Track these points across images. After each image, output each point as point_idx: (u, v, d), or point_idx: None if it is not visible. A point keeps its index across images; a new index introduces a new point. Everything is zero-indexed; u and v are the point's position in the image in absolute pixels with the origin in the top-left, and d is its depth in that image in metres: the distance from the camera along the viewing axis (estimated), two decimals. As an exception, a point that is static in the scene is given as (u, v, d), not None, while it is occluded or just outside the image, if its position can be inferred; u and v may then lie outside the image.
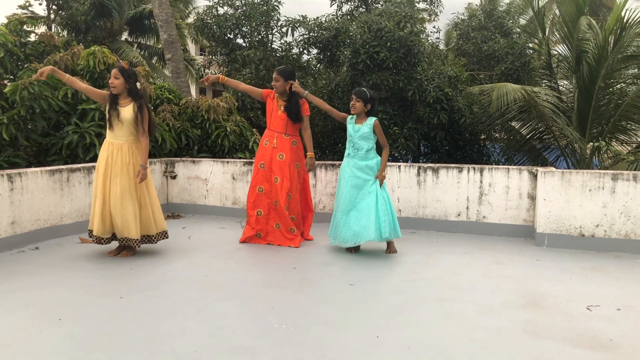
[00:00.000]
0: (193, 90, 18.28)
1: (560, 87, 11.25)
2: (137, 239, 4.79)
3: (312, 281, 4.29)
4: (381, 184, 5.01)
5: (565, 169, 9.12)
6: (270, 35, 12.38)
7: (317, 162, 6.23)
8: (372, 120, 5.03)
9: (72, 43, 10.90)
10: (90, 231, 4.86)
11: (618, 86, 10.17)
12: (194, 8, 21.73)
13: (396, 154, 10.56)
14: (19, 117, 6.70)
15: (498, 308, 3.65)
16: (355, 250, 5.15)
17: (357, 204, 4.97)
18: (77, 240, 5.54)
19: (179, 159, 7.41)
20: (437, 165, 6.20)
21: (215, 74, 14.12)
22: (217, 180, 7.13)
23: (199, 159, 7.34)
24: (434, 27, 14.91)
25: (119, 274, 4.38)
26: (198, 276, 4.35)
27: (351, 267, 4.66)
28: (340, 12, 14.68)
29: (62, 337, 3.11)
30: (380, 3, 14.15)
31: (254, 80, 11.45)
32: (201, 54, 27.92)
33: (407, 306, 3.70)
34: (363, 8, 14.57)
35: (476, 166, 6.06)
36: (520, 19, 13.83)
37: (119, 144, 4.74)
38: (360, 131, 5.02)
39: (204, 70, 15.51)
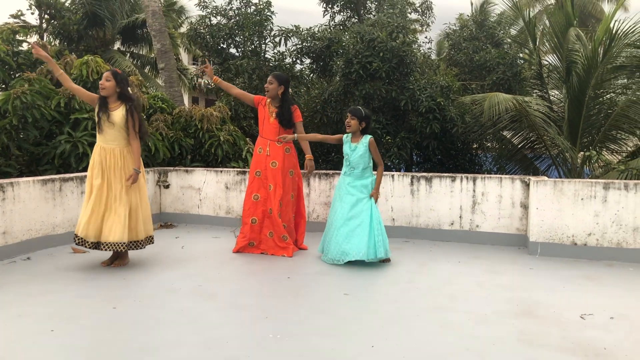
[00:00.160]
0: (186, 100, 18.27)
1: (551, 97, 11.36)
2: (123, 243, 4.71)
3: (306, 291, 4.28)
4: (376, 201, 5.05)
5: (556, 178, 9.19)
6: (263, 45, 12.44)
7: (303, 172, 6.20)
8: (367, 138, 5.06)
9: (64, 52, 10.88)
10: (76, 236, 4.79)
11: (608, 96, 10.28)
12: (186, 18, 21.77)
13: (389, 163, 10.60)
14: (11, 126, 6.67)
15: (492, 317, 3.65)
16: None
17: (349, 222, 4.97)
18: (69, 251, 5.50)
19: (172, 168, 7.39)
20: (431, 174, 6.23)
21: (209, 84, 14.17)
22: (211, 189, 7.12)
23: (192, 169, 7.32)
24: (425, 37, 15.05)
25: (112, 284, 4.35)
26: (192, 286, 4.32)
27: (345, 277, 4.66)
28: (332, 22, 14.78)
29: (55, 349, 3.08)
30: (373, 14, 14.26)
31: (247, 90, 11.44)
32: (194, 63, 27.95)
33: (402, 316, 3.69)
34: (355, 18, 14.66)
35: (469, 175, 6.10)
36: (511, 30, 13.98)
37: (111, 149, 4.73)
38: (357, 150, 5.04)
39: (197, 80, 15.52)
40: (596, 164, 9.64)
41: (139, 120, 4.79)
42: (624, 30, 8.79)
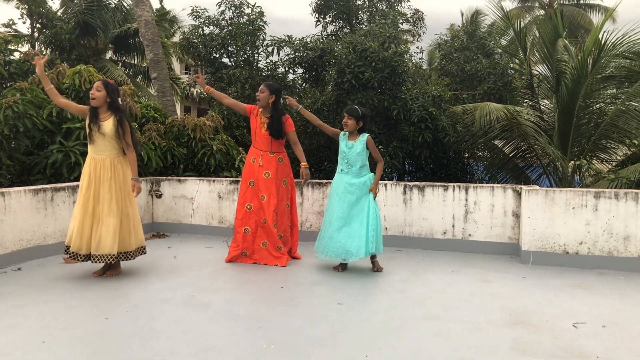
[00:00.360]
0: (178, 109, 18.26)
1: (542, 107, 11.44)
2: (112, 255, 4.70)
3: (300, 300, 4.27)
4: (375, 197, 5.05)
5: (547, 187, 9.24)
6: (256, 55, 12.47)
7: (297, 181, 6.22)
8: (364, 136, 5.09)
9: (55, 62, 10.85)
10: (67, 247, 4.78)
11: (597, 106, 10.37)
12: (179, 27, 21.82)
13: (381, 172, 10.60)
14: (2, 135, 6.63)
15: (486, 326, 3.66)
16: (342, 268, 5.15)
17: (349, 221, 4.99)
18: (60, 261, 5.46)
19: (164, 177, 7.37)
20: (423, 183, 6.25)
21: (201, 93, 14.17)
22: (203, 199, 7.10)
23: (184, 178, 7.31)
24: (417, 47, 15.18)
25: (104, 295, 4.32)
26: (185, 296, 4.30)
27: (339, 286, 4.66)
28: (325, 32, 14.85)
29: (47, 360, 3.05)
30: (365, 24, 14.35)
31: (239, 99, 11.47)
32: (186, 73, 27.96)
33: (396, 325, 3.70)
34: (348, 29, 14.75)
35: (461, 185, 6.13)
36: (501, 40, 14.11)
37: (101, 159, 4.71)
38: (354, 148, 5.06)
39: (189, 89, 15.52)
40: (587, 173, 9.70)
41: (129, 131, 4.78)
42: (612, 41, 8.89)
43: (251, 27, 12.13)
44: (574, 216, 5.39)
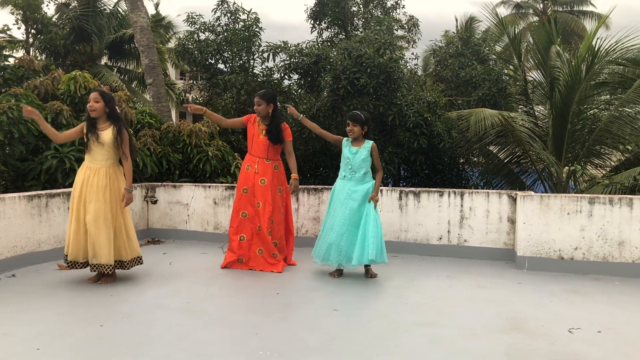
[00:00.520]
0: (173, 115, 18.26)
1: (536, 113, 11.50)
2: (110, 265, 4.70)
3: (296, 307, 4.27)
4: (376, 205, 5.06)
5: (542, 192, 9.29)
6: (251, 61, 12.49)
7: (299, 186, 6.22)
8: (369, 143, 5.10)
9: (50, 67, 10.82)
10: (66, 256, 4.77)
11: (591, 112, 10.44)
12: (174, 33, 21.84)
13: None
14: (-4, 141, 6.61)
15: (482, 332, 3.67)
16: (338, 274, 5.15)
17: (351, 228, 4.98)
18: (55, 267, 5.43)
19: (159, 183, 7.36)
20: (419, 189, 6.26)
21: (197, 99, 14.17)
22: (199, 205, 7.09)
23: (180, 184, 7.30)
24: (412, 53, 15.23)
25: (99, 301, 4.30)
26: (180, 303, 4.29)
27: (335, 292, 4.65)
28: (320, 38, 14.90)
29: (41, 368, 3.04)
30: (360, 30, 14.41)
31: (235, 105, 11.50)
32: (181, 78, 27.96)
33: (392, 331, 3.69)
34: (343, 35, 14.81)
35: (457, 190, 6.15)
36: (496, 46, 14.19)
37: (96, 168, 4.70)
38: (359, 155, 5.06)
39: (185, 95, 15.52)
40: (581, 179, 9.75)
41: (128, 140, 4.78)
42: (605, 47, 8.96)
43: (247, 33, 12.15)
44: (569, 222, 5.41)
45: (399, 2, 15.13)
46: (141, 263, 5.04)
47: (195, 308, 4.16)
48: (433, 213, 6.17)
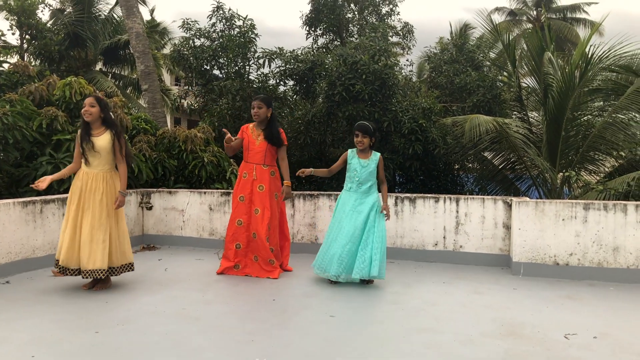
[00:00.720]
0: (169, 121, 18.26)
1: (531, 119, 11.56)
2: (103, 270, 4.66)
3: (292, 313, 4.26)
4: (389, 216, 5.08)
5: (537, 198, 9.32)
6: (247, 67, 12.50)
7: (295, 193, 6.23)
8: (377, 155, 5.12)
9: (45, 73, 10.81)
10: (57, 261, 4.74)
11: (585, 118, 10.51)
12: (169, 39, 21.86)
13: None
14: (-9, 147, 6.58)
15: (478, 338, 3.67)
16: (336, 279, 5.13)
17: (354, 240, 4.94)
18: (49, 274, 5.40)
19: (155, 189, 7.34)
20: (414, 195, 6.28)
21: (192, 104, 14.14)
22: (194, 211, 7.07)
23: (175, 190, 7.28)
24: (407, 60, 15.29)
25: (94, 308, 4.28)
26: (175, 309, 4.27)
27: (331, 298, 4.65)
28: (316, 45, 14.94)
29: (36, 375, 3.01)
30: (355, 37, 14.46)
31: (230, 111, 11.49)
32: (176, 84, 27.96)
33: (388, 337, 3.69)
34: (338, 41, 14.85)
35: (452, 196, 6.16)
36: (490, 53, 14.26)
37: (94, 174, 4.70)
38: (368, 167, 5.05)
39: (180, 101, 15.51)
40: (575, 185, 9.80)
41: (125, 145, 4.79)
42: (599, 54, 9.03)
43: (242, 40, 12.16)
44: (563, 227, 5.43)
45: (393, 9, 15.21)
46: (132, 270, 5.00)
47: (191, 314, 4.14)
48: (429, 219, 6.18)
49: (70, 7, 19.04)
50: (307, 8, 14.74)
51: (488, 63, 13.56)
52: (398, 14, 15.33)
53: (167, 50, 20.65)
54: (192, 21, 12.71)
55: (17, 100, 7.01)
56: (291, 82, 12.55)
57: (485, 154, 11.28)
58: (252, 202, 5.40)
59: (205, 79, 12.73)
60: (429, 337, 3.68)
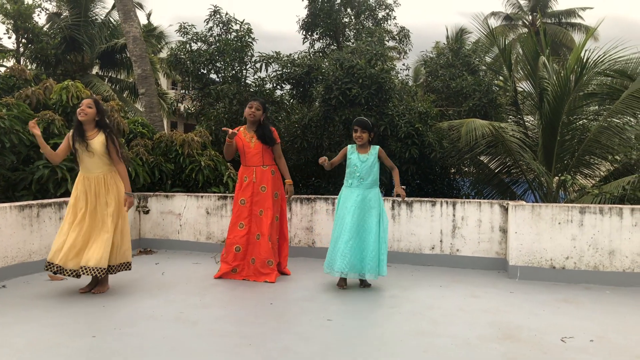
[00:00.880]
0: (165, 125, 18.23)
1: (526, 123, 11.62)
2: (103, 269, 4.65)
3: (290, 317, 4.26)
4: (404, 198, 5.13)
5: (533, 202, 9.35)
6: (244, 71, 12.51)
7: (291, 197, 6.21)
8: (376, 148, 5.10)
9: (41, 77, 10.79)
10: (51, 264, 4.70)
11: (580, 122, 10.57)
12: (166, 43, 21.87)
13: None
14: (-13, 151, 6.57)
15: (475, 341, 3.68)
16: (345, 284, 5.09)
17: (359, 236, 4.94)
18: (46, 278, 5.39)
19: (152, 193, 7.33)
20: (411, 199, 6.29)
21: (189, 108, 14.15)
22: (191, 215, 7.07)
23: (172, 194, 7.28)
24: (403, 64, 15.34)
25: (91, 312, 4.27)
26: (173, 313, 4.27)
27: (329, 302, 4.65)
28: (312, 49, 14.98)
29: (33, 380, 3.01)
30: (352, 41, 14.51)
31: (227, 115, 11.50)
32: (173, 88, 27.95)
33: (386, 341, 3.70)
34: (335, 46, 14.90)
35: (449, 200, 6.18)
36: (486, 57, 14.33)
37: (95, 177, 4.72)
38: (368, 161, 5.04)
39: (177, 105, 15.51)
40: (571, 189, 9.85)
41: (119, 145, 4.80)
42: (594, 59, 9.09)
43: (239, 44, 12.19)
44: (560, 231, 5.46)
45: (390, 13, 15.27)
46: (129, 269, 5.00)
47: (189, 318, 4.14)
48: (425, 223, 6.19)
49: (67, 11, 19.05)
50: (303, 12, 14.84)
51: (484, 67, 13.62)
52: (394, 18, 15.40)
53: (163, 54, 20.67)
54: (189, 25, 12.73)
55: (14, 104, 7.00)
56: (288, 86, 12.58)
57: (482, 158, 11.33)
58: (254, 204, 5.41)
59: (202, 83, 12.74)
60: (426, 341, 3.68)
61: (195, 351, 3.45)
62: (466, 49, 13.92)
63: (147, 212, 7.25)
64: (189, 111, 13.79)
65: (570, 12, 28.33)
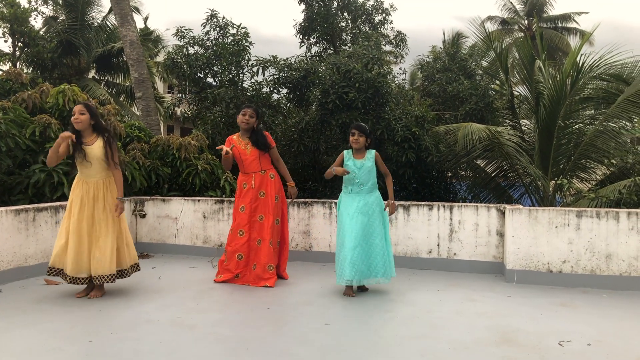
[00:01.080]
0: (162, 129, 18.21)
1: (523, 127, 11.65)
2: (113, 275, 4.70)
3: (287, 321, 4.25)
4: (393, 211, 5.08)
5: (529, 206, 9.37)
6: (240, 75, 12.51)
7: (288, 201, 6.20)
8: (372, 152, 5.06)
9: (37, 80, 10.78)
10: (51, 269, 4.71)
11: (577, 126, 10.60)
12: (163, 47, 21.87)
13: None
14: (-17, 155, 6.54)
15: (473, 345, 3.68)
16: (352, 290, 5.00)
17: (364, 242, 4.90)
18: (42, 282, 5.37)
19: (148, 197, 7.32)
20: (408, 203, 6.29)
21: (185, 112, 14.14)
22: (188, 219, 7.05)
23: (169, 198, 7.26)
24: (400, 68, 15.36)
25: (88, 316, 4.25)
26: (170, 317, 4.25)
27: (326, 306, 4.64)
28: (309, 53, 15.00)
29: (29, 385, 2.99)
30: (348, 45, 14.53)
31: (224, 119, 11.49)
32: (169, 92, 27.93)
33: (383, 345, 3.69)
34: (331, 50, 14.92)
35: (446, 204, 6.18)
36: (482, 61, 14.37)
37: (94, 182, 4.70)
38: (365, 166, 5.00)
39: (173, 109, 15.50)
40: (567, 192, 9.87)
41: (116, 150, 4.78)
42: (589, 63, 9.13)
43: (236, 48, 12.19)
44: (557, 235, 5.46)
45: (386, 17, 15.29)
46: (139, 270, 5.08)
47: (185, 322, 4.12)
48: (423, 226, 6.20)
49: (64, 15, 19.04)
50: (300, 17, 14.82)
51: (480, 71, 13.66)
52: (391, 22, 15.42)
53: (160, 58, 20.66)
54: (186, 29, 12.73)
55: (10, 107, 6.98)
56: (285, 90, 12.58)
57: (478, 162, 11.34)
58: (255, 210, 5.41)
59: (198, 86, 12.73)
60: (424, 345, 3.68)
61: (192, 355, 3.44)
62: (463, 53, 13.96)
63: (143, 216, 7.23)
64: (186, 115, 13.77)
65: (566, 17, 28.48)
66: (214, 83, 12.83)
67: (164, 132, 18.94)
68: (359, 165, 5.02)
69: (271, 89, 12.42)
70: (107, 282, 4.71)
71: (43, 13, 19.85)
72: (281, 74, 12.19)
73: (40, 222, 5.73)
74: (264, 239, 5.35)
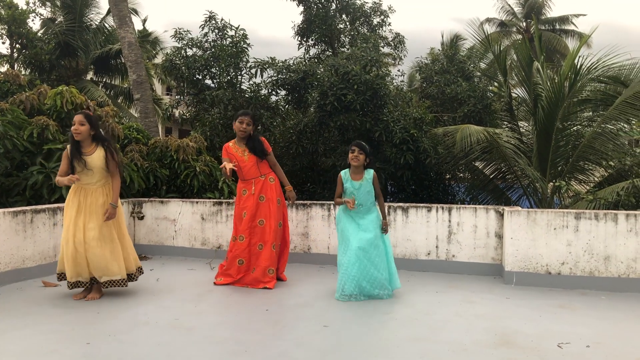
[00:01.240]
0: (160, 130, 18.20)
1: (521, 129, 11.65)
2: (124, 279, 4.76)
3: (285, 323, 4.24)
4: (386, 232, 5.07)
5: (528, 207, 9.37)
6: (239, 77, 12.50)
7: (287, 203, 6.20)
8: (371, 172, 5.02)
9: (35, 82, 10.76)
10: (60, 274, 4.76)
11: (574, 128, 10.61)
12: (161, 49, 21.85)
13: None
14: (-19, 157, 6.52)
15: (471, 347, 3.67)
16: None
17: (366, 259, 4.87)
18: (40, 284, 5.35)
19: (146, 199, 7.30)
20: (407, 204, 6.29)
21: (183, 113, 14.14)
22: (186, 220, 7.04)
23: (167, 199, 7.25)
24: (398, 70, 15.37)
25: (86, 319, 4.24)
26: (168, 320, 4.24)
27: (325, 309, 4.63)
28: (307, 55, 14.99)
29: (27, 387, 2.98)
30: (347, 47, 14.53)
31: (222, 121, 11.48)
32: (168, 94, 27.92)
33: (382, 347, 3.69)
34: (330, 52, 14.92)
35: (445, 205, 6.18)
36: (480, 64, 14.38)
37: (93, 190, 4.70)
38: (363, 187, 4.97)
39: (172, 110, 15.49)
40: (565, 194, 9.87)
41: (118, 158, 4.79)
42: (587, 65, 9.14)
43: (234, 49, 12.18)
44: (555, 237, 5.47)
45: (385, 19, 15.30)
46: (142, 272, 5.14)
47: (184, 325, 4.11)
48: (421, 228, 6.19)
49: (61, 17, 19.03)
50: (299, 18, 14.82)
51: (479, 73, 13.67)
52: (389, 24, 15.43)
53: (158, 59, 20.65)
54: (184, 31, 12.72)
55: (8, 109, 6.96)
56: (283, 92, 12.57)
57: (477, 164, 11.34)
58: (255, 215, 5.40)
59: (197, 88, 12.71)
60: (423, 347, 3.67)
61: (190, 358, 3.43)
62: (461, 55, 13.95)
63: (141, 218, 7.22)
64: (184, 117, 13.75)
65: (564, 19, 28.54)
66: (213, 85, 12.81)
67: (162, 134, 18.94)
68: (357, 187, 4.99)
69: (269, 90, 12.41)
70: (119, 285, 4.77)
71: (41, 14, 19.85)
72: (279, 76, 12.19)
73: (38, 224, 5.71)
74: (266, 243, 5.35)
